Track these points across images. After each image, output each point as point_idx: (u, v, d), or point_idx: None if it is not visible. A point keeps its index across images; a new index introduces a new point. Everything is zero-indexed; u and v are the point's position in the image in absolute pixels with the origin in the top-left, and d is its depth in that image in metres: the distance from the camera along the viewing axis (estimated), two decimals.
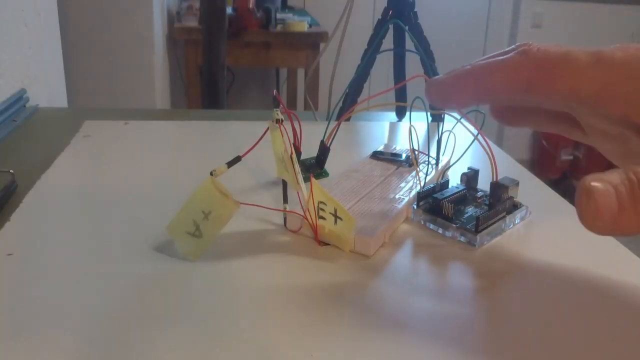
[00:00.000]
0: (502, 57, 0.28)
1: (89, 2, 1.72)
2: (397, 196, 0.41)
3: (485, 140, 0.37)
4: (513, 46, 0.28)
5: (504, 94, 0.28)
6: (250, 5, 2.11)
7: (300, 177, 0.36)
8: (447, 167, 0.45)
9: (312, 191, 0.34)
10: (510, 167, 0.52)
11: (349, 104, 0.63)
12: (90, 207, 0.41)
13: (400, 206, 0.40)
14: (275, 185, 0.45)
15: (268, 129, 0.35)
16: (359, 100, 0.64)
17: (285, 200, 0.39)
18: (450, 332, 0.28)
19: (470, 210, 0.40)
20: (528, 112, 0.33)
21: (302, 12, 2.61)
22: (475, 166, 0.43)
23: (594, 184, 0.22)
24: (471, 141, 0.39)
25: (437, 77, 0.30)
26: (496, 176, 0.38)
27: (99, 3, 1.73)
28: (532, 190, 0.47)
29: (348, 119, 0.67)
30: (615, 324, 0.30)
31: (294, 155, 0.35)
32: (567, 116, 0.31)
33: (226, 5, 0.90)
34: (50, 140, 0.57)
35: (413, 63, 0.62)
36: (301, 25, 2.19)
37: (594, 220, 0.22)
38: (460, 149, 0.43)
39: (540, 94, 0.27)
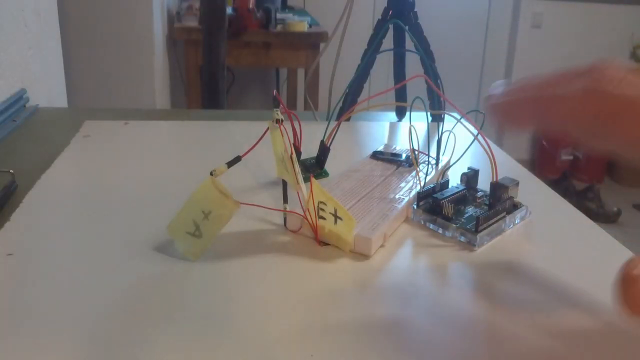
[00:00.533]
0: (570, 87, 0.25)
1: (89, 2, 1.72)
2: (397, 196, 0.41)
3: (485, 140, 0.37)
4: (585, 67, 0.25)
5: (565, 127, 0.25)
6: (250, 5, 2.11)
7: (300, 177, 0.36)
8: (447, 167, 0.45)
9: (312, 191, 0.34)
10: (510, 167, 0.52)
11: (349, 104, 0.63)
12: (90, 207, 0.41)
13: (400, 206, 0.40)
14: (275, 185, 0.45)
15: (268, 129, 0.35)
16: (359, 100, 0.64)
17: (285, 200, 0.39)
18: (450, 332, 0.28)
19: (470, 210, 0.40)
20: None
21: (302, 12, 2.61)
22: (475, 166, 0.43)
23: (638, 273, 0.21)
24: (471, 141, 0.39)
25: (496, 95, 0.28)
26: (496, 176, 0.38)
27: (99, 3, 1.73)
28: (532, 190, 0.47)
29: (348, 119, 0.67)
30: (615, 323, 0.30)
31: (294, 155, 0.35)
32: None
33: (226, 5, 0.90)
34: (50, 140, 0.57)
35: (413, 63, 0.62)
36: (301, 25, 2.19)
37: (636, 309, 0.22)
38: (460, 149, 0.43)
39: (604, 135, 0.24)
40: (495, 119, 0.28)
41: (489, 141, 0.38)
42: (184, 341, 0.27)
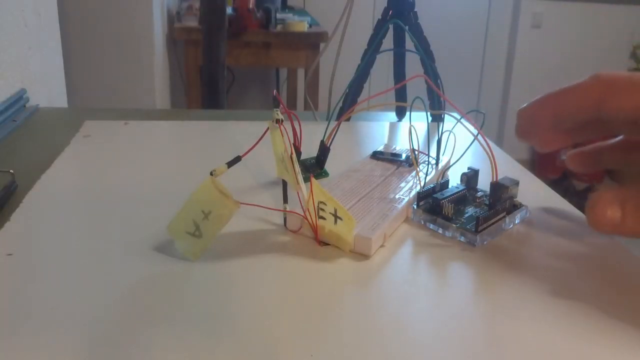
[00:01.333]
0: (576, 83, 0.33)
1: (89, 2, 1.72)
2: (397, 196, 0.41)
3: (485, 140, 0.37)
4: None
5: (578, 113, 0.33)
6: (250, 5, 2.11)
7: (300, 177, 0.36)
8: (447, 167, 0.45)
9: (312, 191, 0.34)
10: (510, 167, 0.52)
11: (349, 104, 0.63)
12: (90, 207, 0.41)
13: (400, 206, 0.40)
14: (275, 185, 0.45)
15: (268, 129, 0.35)
16: (359, 100, 0.64)
17: (285, 200, 0.39)
18: (450, 332, 0.28)
19: (470, 210, 0.40)
20: (601, 154, 0.40)
21: (302, 12, 2.61)
22: (475, 166, 0.43)
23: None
24: (471, 141, 0.39)
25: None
26: (496, 176, 0.38)
27: (99, 3, 1.73)
28: (532, 190, 0.47)
29: (348, 119, 0.67)
30: (615, 323, 0.30)
31: (294, 155, 0.35)
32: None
33: (226, 5, 0.90)
34: (50, 140, 0.57)
35: (413, 63, 0.62)
36: (301, 25, 2.19)
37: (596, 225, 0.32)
38: (460, 149, 0.43)
39: (610, 110, 0.31)
40: (523, 122, 0.37)
41: (489, 141, 0.38)
42: (184, 341, 0.27)
